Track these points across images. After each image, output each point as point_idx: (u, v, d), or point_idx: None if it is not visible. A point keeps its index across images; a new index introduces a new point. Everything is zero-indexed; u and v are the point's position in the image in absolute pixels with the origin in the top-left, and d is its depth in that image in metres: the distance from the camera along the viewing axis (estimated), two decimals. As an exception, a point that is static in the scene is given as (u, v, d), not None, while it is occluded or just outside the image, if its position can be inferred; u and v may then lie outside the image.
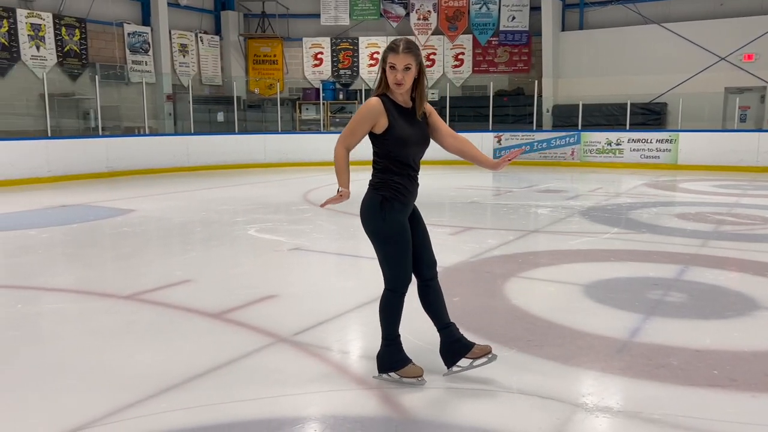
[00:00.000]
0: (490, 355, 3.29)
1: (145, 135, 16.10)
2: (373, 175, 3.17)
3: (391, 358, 3.19)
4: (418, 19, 19.36)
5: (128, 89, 16.80)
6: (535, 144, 17.40)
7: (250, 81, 20.08)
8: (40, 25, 15.03)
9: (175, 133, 17.02)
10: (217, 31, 19.81)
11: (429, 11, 19.29)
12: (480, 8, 19.00)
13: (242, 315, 4.35)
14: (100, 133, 14.90)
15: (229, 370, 3.39)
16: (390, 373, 3.19)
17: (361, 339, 4.03)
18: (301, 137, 18.10)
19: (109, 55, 16.64)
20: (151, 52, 17.46)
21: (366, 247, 6.94)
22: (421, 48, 18.68)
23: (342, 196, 3.04)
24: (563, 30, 18.96)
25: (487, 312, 4.41)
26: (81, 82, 15.92)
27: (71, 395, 3.10)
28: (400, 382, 3.18)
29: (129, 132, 16.19)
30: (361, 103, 18.82)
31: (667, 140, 16.16)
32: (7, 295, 5.00)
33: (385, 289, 3.17)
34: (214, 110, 18.40)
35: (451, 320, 3.28)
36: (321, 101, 18.90)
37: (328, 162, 15.92)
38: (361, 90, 19.08)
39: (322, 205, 3.13)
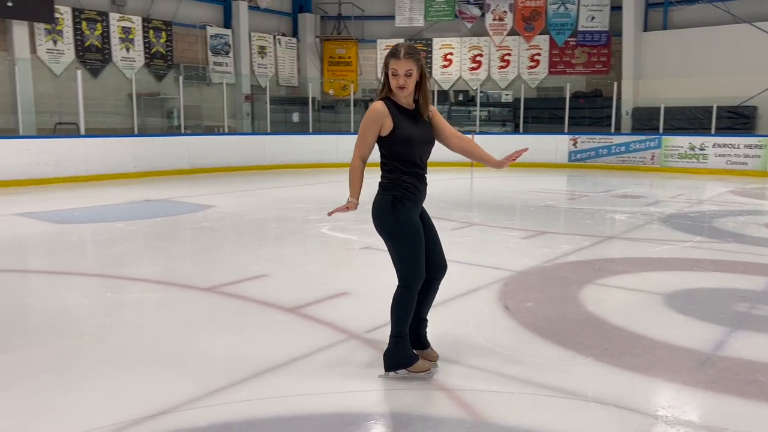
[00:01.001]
0: (429, 371, 3.28)
1: (224, 134, 16.68)
2: (382, 176, 3.25)
3: (402, 355, 3.24)
4: (494, 19, 19.16)
5: (209, 89, 17.45)
6: (613, 147, 16.87)
7: (325, 82, 20.44)
8: (130, 28, 15.84)
9: (253, 133, 17.54)
10: (295, 33, 20.27)
11: (505, 11, 19.06)
12: (558, 8, 18.60)
13: (316, 310, 4.45)
14: (183, 131, 15.55)
15: (304, 363, 3.48)
16: (398, 371, 3.24)
17: (429, 340, 4.03)
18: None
19: (192, 57, 17.34)
20: (231, 54, 18.07)
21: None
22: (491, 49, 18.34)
23: (349, 207, 3.17)
24: (645, 30, 18.29)
25: (561, 318, 4.32)
26: (166, 83, 16.67)
27: (156, 380, 3.26)
28: (408, 378, 3.23)
29: (209, 131, 16.81)
30: (433, 103, 18.79)
31: (756, 146, 15.30)
32: (99, 283, 5.31)
33: (399, 286, 3.23)
34: (290, 110, 18.84)
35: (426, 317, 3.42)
36: (393, 102, 19.01)
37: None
38: (433, 91, 19.06)
39: (330, 214, 3.27)
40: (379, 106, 3.11)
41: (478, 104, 18.43)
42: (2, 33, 13.52)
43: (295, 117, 18.67)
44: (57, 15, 14.10)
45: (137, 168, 13.81)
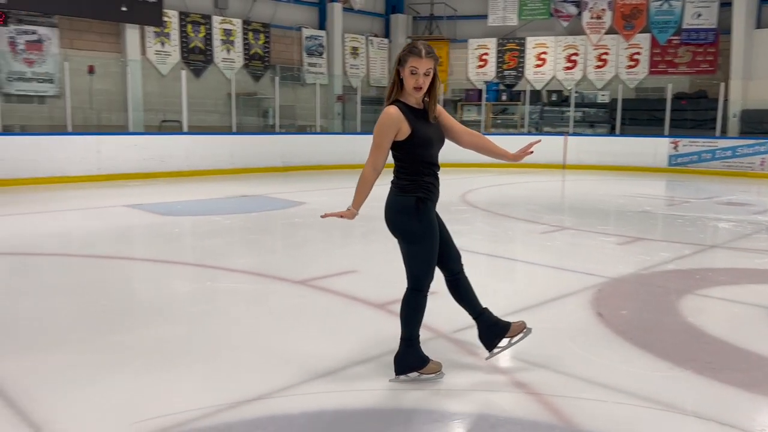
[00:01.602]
0: (525, 330, 3.39)
1: (316, 133, 17.11)
2: (399, 178, 3.16)
3: (413, 357, 3.22)
4: (591, 17, 18.54)
5: (303, 90, 17.95)
6: (718, 152, 15.91)
7: (415, 82, 20.51)
8: (231, 30, 16.56)
9: (343, 132, 17.88)
10: (386, 34, 20.47)
11: (603, 9, 18.39)
12: (661, 5, 17.75)
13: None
14: (277, 130, 16.09)
15: (392, 359, 3.53)
16: (409, 374, 3.22)
17: (517, 343, 3.98)
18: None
19: (288, 58, 17.90)
20: (325, 55, 18.50)
21: (522, 251, 6.85)
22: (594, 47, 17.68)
23: (345, 215, 3.11)
24: (758, 27, 17.11)
25: (658, 328, 4.15)
26: (262, 83, 17.29)
27: (251, 367, 3.41)
28: (419, 380, 3.20)
29: (302, 130, 17.29)
30: (524, 104, 18.46)
31: None
32: (199, 273, 5.61)
33: (410, 289, 3.21)
34: (380, 110, 18.94)
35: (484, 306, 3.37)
36: (483, 102, 18.82)
37: (487, 164, 15.74)
38: (525, 91, 18.69)
39: (323, 216, 3.19)
40: (393, 111, 3.03)
41: (572, 105, 17.91)
42: (116, 36, 14.49)
43: (385, 117, 18.84)
44: (165, 19, 14.96)
45: (234, 164, 14.44)
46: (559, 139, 17.34)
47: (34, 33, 13.15)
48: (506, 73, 19.79)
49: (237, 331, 4.03)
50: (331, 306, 4.63)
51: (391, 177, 3.23)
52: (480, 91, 19.18)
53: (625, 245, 6.94)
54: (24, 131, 12.63)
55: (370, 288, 5.01)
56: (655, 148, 16.38)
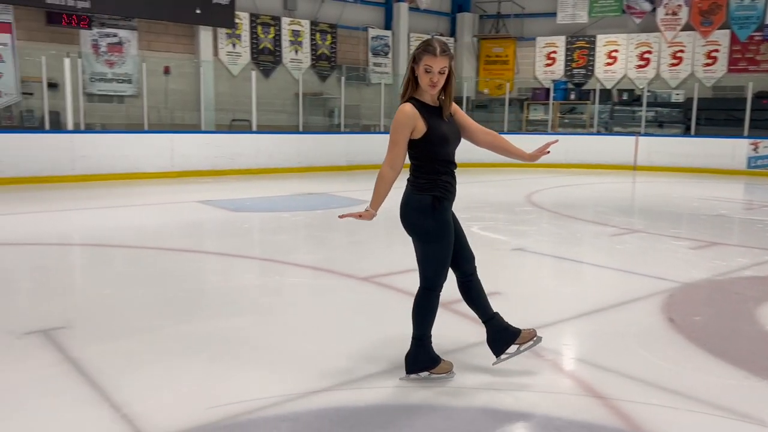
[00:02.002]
0: (536, 338, 3.32)
1: (380, 133, 17.22)
2: (416, 177, 3.11)
3: (425, 357, 3.20)
4: (666, 14, 17.88)
5: (368, 90, 18.10)
6: (802, 154, 15.04)
7: (480, 81, 20.34)
8: (299, 31, 16.89)
9: (407, 131, 17.89)
10: (452, 32, 20.38)
11: (679, 5, 17.69)
12: (742, 0, 16.92)
13: (466, 307, 4.46)
14: (342, 129, 16.30)
15: (455, 357, 3.53)
16: (420, 373, 3.19)
17: (582, 346, 3.92)
18: (526, 138, 17.87)
19: (354, 58, 18.10)
20: (390, 55, 18.60)
21: (590, 254, 6.70)
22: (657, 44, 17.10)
23: (364, 216, 3.03)
24: None
25: (734, 336, 3.98)
26: (329, 83, 17.55)
27: (318, 358, 3.49)
28: (429, 380, 3.18)
29: (366, 129, 17.44)
30: (594, 103, 17.99)
31: None
32: (266, 267, 5.77)
33: (423, 288, 3.18)
34: (451, 110, 18.96)
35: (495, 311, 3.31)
36: (551, 101, 18.46)
37: (553, 164, 15.56)
38: (594, 90, 18.20)
39: (341, 217, 3.13)
40: (408, 108, 2.99)
41: (644, 104, 17.32)
42: (190, 38, 15.04)
43: (449, 116, 18.77)
44: (237, 20, 15.40)
45: (301, 163, 14.73)
46: (629, 140, 16.81)
47: (115, 36, 13.82)
48: (575, 71, 19.35)
49: (303, 324, 4.13)
50: (394, 303, 4.66)
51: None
52: (547, 89, 18.82)
53: (698, 250, 6.67)
54: (104, 129, 13.29)
55: (433, 286, 5.02)
56: (733, 149, 15.64)
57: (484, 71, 20.41)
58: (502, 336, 3.30)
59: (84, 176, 11.68)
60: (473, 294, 3.32)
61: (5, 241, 6.46)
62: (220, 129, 14.89)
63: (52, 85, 12.26)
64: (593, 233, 7.92)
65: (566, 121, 18.84)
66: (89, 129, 12.77)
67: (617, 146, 16.94)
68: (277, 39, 16.48)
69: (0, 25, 12.41)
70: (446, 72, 2.98)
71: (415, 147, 3.05)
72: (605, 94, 18.45)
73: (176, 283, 5.11)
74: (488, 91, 20.26)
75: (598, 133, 17.77)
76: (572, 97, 18.93)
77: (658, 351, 3.68)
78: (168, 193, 10.68)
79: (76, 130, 12.08)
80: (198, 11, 14.31)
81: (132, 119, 13.89)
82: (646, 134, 16.96)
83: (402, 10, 18.33)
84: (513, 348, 3.31)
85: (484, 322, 3.34)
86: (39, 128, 12.36)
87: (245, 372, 3.30)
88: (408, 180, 3.14)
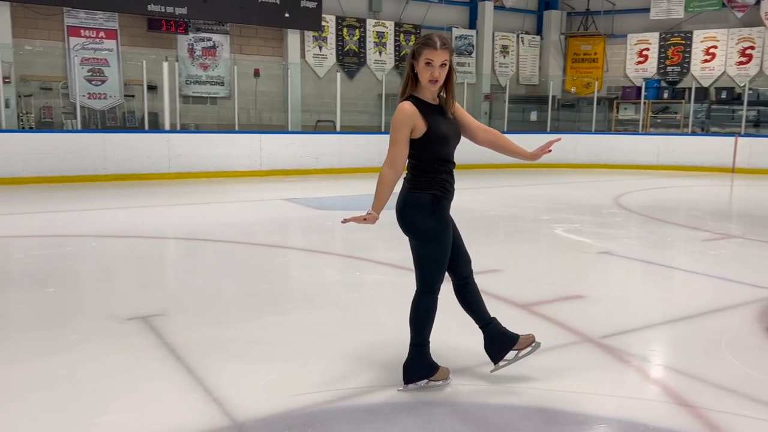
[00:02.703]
0: (534, 344, 3.22)
1: (462, 132, 17.14)
2: (414, 176, 3.01)
3: (423, 364, 3.10)
4: (771, 6, 16.76)
5: (451, 89, 18.03)
6: None
7: (567, 80, 19.83)
8: (384, 32, 17.08)
9: (490, 131, 17.71)
10: (539, 31, 19.98)
11: (786, -3, 16.55)
12: None
13: (548, 310, 4.42)
14: (424, 129, 16.33)
15: (535, 359, 3.50)
16: (418, 382, 3.08)
17: (669, 353, 3.79)
18: (615, 138, 17.27)
19: (437, 58, 18.09)
20: (474, 54, 18.47)
21: (681, 259, 6.41)
22: None
23: (368, 219, 2.89)
24: None
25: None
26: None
27: (397, 354, 3.53)
28: (426, 387, 3.08)
29: (448, 129, 17.40)
30: (689, 102, 17.13)
31: None
32: (348, 263, 5.90)
33: (420, 291, 3.09)
34: (528, 109, 18.64)
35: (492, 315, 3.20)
36: (642, 100, 17.73)
37: (643, 165, 14.95)
38: (690, 88, 17.32)
39: (344, 221, 2.97)
40: (408, 107, 2.90)
41: (745, 103, 16.32)
42: (279, 41, 15.54)
43: (533, 116, 18.44)
44: (323, 23, 15.78)
45: (382, 162, 14.86)
46: (728, 141, 15.90)
47: (209, 40, 14.50)
48: (669, 69, 18.49)
49: (384, 320, 4.20)
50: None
51: None
52: (639, 88, 18.09)
53: (803, 258, 6.25)
54: (198, 129, 13.97)
55: (514, 288, 4.98)
56: None
57: (572, 70, 19.88)
58: (500, 341, 3.21)
59: (179, 174, 12.33)
60: (469, 298, 3.23)
61: (108, 234, 6.94)
62: (305, 129, 15.29)
63: (152, 88, 13.03)
64: (685, 237, 7.58)
65: (659, 120, 18.03)
66: (184, 129, 13.46)
67: (714, 147, 16.05)
68: (362, 41, 16.73)
69: (106, 31, 13.31)
70: (447, 66, 2.90)
71: (414, 146, 2.95)
72: (701, 93, 17.52)
73: (263, 276, 5.33)
74: (575, 90, 19.71)
75: (694, 133, 16.92)
76: (665, 95, 18.09)
77: (753, 361, 3.50)
78: (256, 190, 11.10)
79: (173, 130, 12.77)
80: (287, 15, 14.77)
81: (223, 120, 14.53)
82: (747, 134, 15.98)
83: (487, 9, 18.16)
84: (512, 354, 3.22)
85: (481, 328, 3.25)
86: (139, 128, 13.17)
87: (327, 363, 3.41)
88: (405, 179, 3.06)
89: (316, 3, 15.09)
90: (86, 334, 3.83)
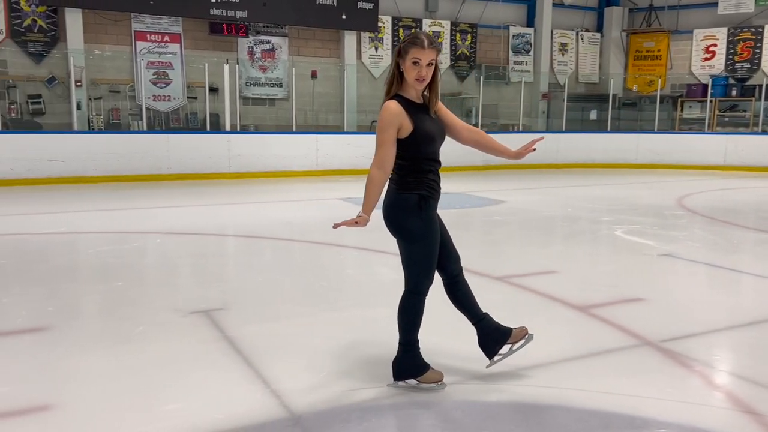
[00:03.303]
0: (527, 336, 3.21)
1: (518, 132, 16.93)
2: (400, 176, 2.98)
3: (411, 363, 3.09)
4: None
5: (507, 88, 17.85)
6: None
7: (629, 78, 19.28)
8: (440, 32, 17.04)
9: (547, 131, 17.45)
10: (599, 28, 19.51)
11: None
12: None
13: (606, 312, 4.34)
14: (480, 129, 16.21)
15: (593, 361, 3.45)
16: (408, 380, 3.07)
17: (734, 359, 3.66)
18: (679, 137, 16.68)
19: (493, 57, 17.93)
20: (531, 53, 18.20)
21: (749, 262, 6.16)
22: None
23: (359, 222, 2.86)
24: None
25: None
26: (467, 83, 17.54)
27: (450, 353, 3.55)
28: (419, 389, 3.05)
29: (504, 129, 17.21)
30: (759, 99, 16.39)
31: None
32: (402, 262, 5.93)
33: (407, 292, 3.06)
34: (587, 108, 18.23)
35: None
36: (708, 98, 17.06)
37: (709, 166, 14.40)
38: (761, 85, 16.56)
39: (335, 226, 2.93)
40: (394, 106, 2.88)
41: (819, 100, 15.50)
42: (336, 43, 15.73)
43: (593, 114, 18.02)
44: (380, 24, 15.87)
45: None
46: (801, 140, 15.14)
47: (268, 42, 14.81)
48: (738, 65, 17.74)
49: (438, 319, 4.20)
50: (530, 304, 4.62)
51: None
52: (705, 86, 17.43)
53: None
54: (256, 130, 14.30)
55: (570, 289, 4.90)
56: None
57: (633, 67, 19.33)
58: (493, 337, 3.20)
59: (238, 174, 12.65)
60: (460, 295, 3.21)
61: (171, 231, 7.20)
62: (361, 130, 15.42)
63: (213, 90, 13.42)
64: (753, 240, 7.27)
65: (726, 119, 17.32)
66: (244, 130, 13.80)
67: (787, 147, 15.31)
68: (418, 41, 16.73)
69: (171, 36, 13.79)
70: (434, 65, 2.90)
71: (401, 146, 2.92)
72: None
73: (319, 274, 5.42)
74: (637, 88, 19.16)
75: (764, 132, 16.18)
76: (734, 93, 17.37)
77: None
78: (312, 190, 11.27)
79: (233, 131, 13.12)
80: (343, 16, 14.93)
81: (281, 121, 14.81)
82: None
83: (546, 7, 17.86)
84: (506, 348, 3.21)
85: (474, 324, 3.23)
86: (201, 129, 13.57)
87: (382, 360, 3.44)
88: (391, 180, 3.02)
89: (372, 4, 15.20)
90: (151, 326, 3.99)
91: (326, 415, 2.81)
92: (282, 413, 2.83)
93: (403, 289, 3.10)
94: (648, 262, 6.01)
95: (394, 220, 3.00)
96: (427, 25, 16.78)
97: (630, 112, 18.46)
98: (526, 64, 18.19)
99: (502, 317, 4.23)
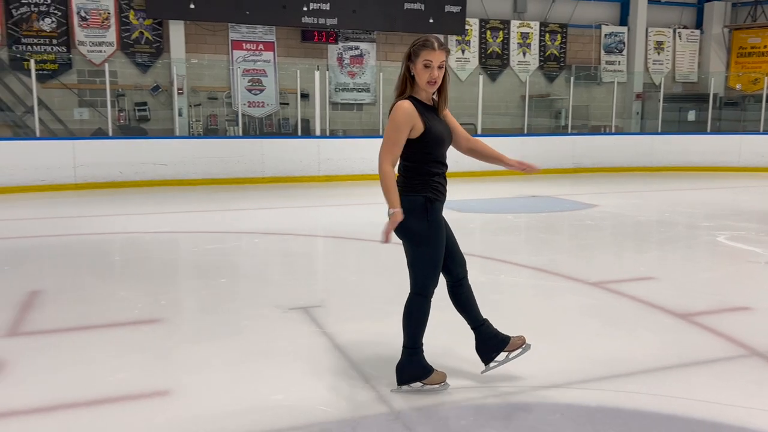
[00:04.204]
0: (524, 345, 3.23)
1: (610, 134, 16.41)
2: (406, 177, 2.99)
3: (417, 367, 3.07)
4: None
5: (599, 89, 17.33)
6: None
7: (731, 76, 18.24)
8: (528, 33, 16.79)
9: (641, 132, 16.81)
10: (698, 24, 18.59)
11: None
12: None
13: (710, 320, 4.17)
14: (569, 131, 15.85)
15: (697, 370, 3.35)
16: (412, 384, 3.08)
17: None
18: (788, 139, 15.61)
19: (584, 57, 17.46)
20: (625, 52, 17.59)
21: None
22: None
23: (396, 219, 2.88)
24: None
25: None
26: (556, 84, 17.18)
27: (544, 356, 3.54)
28: (422, 391, 3.06)
29: (595, 130, 16.73)
30: None
31: None
32: (488, 265, 5.92)
33: (414, 294, 3.06)
34: (685, 108, 17.41)
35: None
36: (822, 97, 15.87)
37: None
38: None
39: (386, 241, 2.91)
40: (408, 105, 2.88)
41: None
42: (423, 47, 15.84)
43: (691, 115, 17.18)
44: (466, 27, 15.84)
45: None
46: None
47: (357, 48, 15.13)
48: None
49: (529, 322, 4.19)
50: (626, 310, 4.50)
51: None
52: (817, 83, 16.23)
53: None
54: (345, 135, 14.62)
55: (670, 296, 4.74)
56: None
57: (736, 65, 18.27)
58: (492, 343, 3.19)
59: (327, 177, 13.00)
60: (463, 299, 3.20)
61: (267, 231, 7.52)
62: (447, 132, 15.42)
63: (304, 96, 13.85)
64: None
65: (842, 118, 16.05)
66: (333, 135, 14.15)
67: None
68: (505, 42, 16.58)
69: (265, 44, 14.36)
70: (444, 68, 2.92)
71: (410, 146, 2.93)
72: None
73: (407, 273, 5.50)
74: (741, 86, 18.10)
75: None
76: None
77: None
78: (399, 192, 11.40)
79: (322, 136, 13.49)
80: (431, 20, 15.02)
81: (368, 125, 15.08)
82: None
83: (640, 4, 17.21)
84: (502, 355, 3.22)
85: (473, 329, 3.22)
86: (293, 134, 14.04)
87: (475, 360, 3.48)
88: (396, 181, 2.98)
89: (459, 7, 15.20)
90: (254, 320, 4.22)
91: (425, 412, 2.88)
92: (382, 408, 2.93)
93: (409, 291, 3.12)
94: (754, 270, 5.71)
95: (406, 222, 2.99)
96: (515, 27, 16.59)
97: (732, 112, 17.47)
98: (619, 64, 17.61)
99: (596, 321, 4.17)
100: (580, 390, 3.10)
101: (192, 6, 13.12)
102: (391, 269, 5.72)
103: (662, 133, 16.06)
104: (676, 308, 4.41)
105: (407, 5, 14.72)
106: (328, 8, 14.04)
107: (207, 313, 4.46)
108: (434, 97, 3.06)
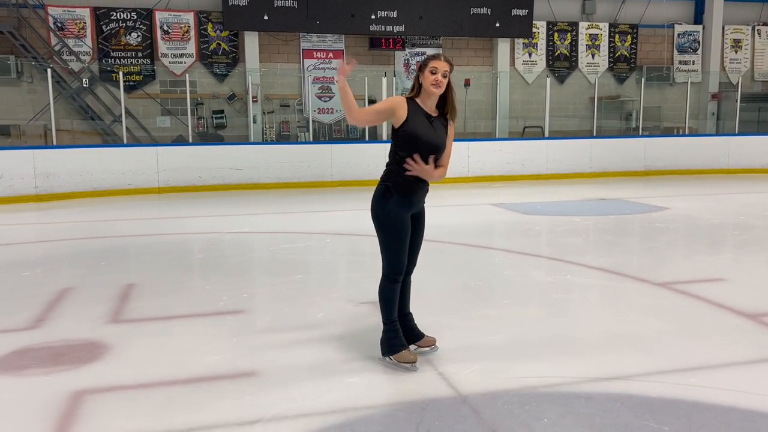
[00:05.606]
0: (432, 347, 3.64)
1: (683, 135, 15.96)
2: (387, 165, 3.41)
3: (388, 342, 3.44)
4: None
5: (671, 90, 16.90)
6: None
7: (816, 74, 17.40)
8: (597, 34, 16.58)
9: (716, 134, 16.26)
10: (779, 20, 17.83)
11: None
12: None
13: (780, 322, 4.15)
14: (640, 133, 15.53)
15: (762, 368, 3.37)
16: (388, 357, 3.44)
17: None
18: None
19: (656, 57, 17.07)
20: (699, 51, 17.08)
21: None
22: None
23: (340, 70, 3.27)
24: None
25: None
26: (627, 85, 16.86)
27: (607, 350, 3.65)
28: (398, 366, 3.39)
29: (667, 132, 16.32)
30: None
31: None
32: (555, 266, 6.01)
33: (382, 276, 3.42)
34: (765, 109, 16.72)
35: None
36: None
37: None
38: None
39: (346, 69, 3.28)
40: (399, 96, 3.32)
41: None
42: (489, 51, 15.92)
43: (772, 115, 16.49)
44: (534, 30, 15.81)
45: (593, 168, 14.47)
46: None
47: (423, 54, 15.37)
48: None
49: (593, 320, 4.30)
50: (692, 309, 4.53)
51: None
52: None
53: None
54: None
55: (740, 297, 4.72)
56: None
57: (821, 62, 17.40)
58: (386, 338, 3.47)
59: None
60: (401, 288, 3.53)
61: (337, 232, 7.85)
62: (512, 136, 15.45)
63: (372, 102, 14.20)
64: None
65: None
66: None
67: None
68: (574, 44, 16.44)
69: (334, 52, 14.82)
70: (447, 77, 3.30)
71: (393, 135, 3.36)
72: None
73: (474, 274, 5.69)
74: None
75: None
76: None
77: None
78: (464, 196, 11.54)
79: (389, 140, 13.77)
80: (497, 24, 15.10)
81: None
82: None
83: (716, 2, 16.69)
84: (412, 347, 3.55)
85: (398, 318, 3.53)
86: (360, 139, 14.41)
87: (539, 352, 3.64)
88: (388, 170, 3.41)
89: (527, 10, 15.21)
90: (329, 313, 4.50)
91: (490, 397, 3.07)
92: (450, 392, 3.13)
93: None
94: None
95: (371, 206, 3.41)
96: (583, 28, 16.43)
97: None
98: (693, 63, 17.12)
99: (664, 320, 4.22)
100: (641, 382, 3.21)
101: (266, 17, 13.73)
102: (456, 269, 5.92)
103: (739, 134, 15.50)
104: (746, 309, 4.40)
105: (474, 10, 14.86)
106: (395, 15, 14.36)
107: (286, 305, 4.77)
108: (442, 111, 3.41)
